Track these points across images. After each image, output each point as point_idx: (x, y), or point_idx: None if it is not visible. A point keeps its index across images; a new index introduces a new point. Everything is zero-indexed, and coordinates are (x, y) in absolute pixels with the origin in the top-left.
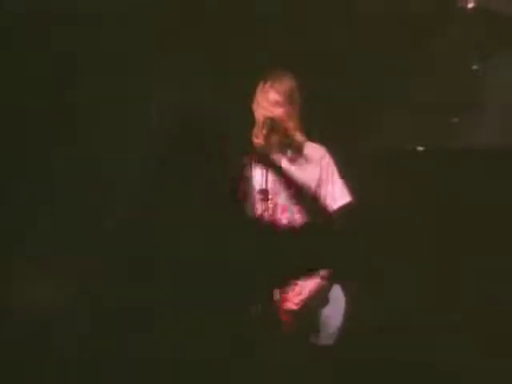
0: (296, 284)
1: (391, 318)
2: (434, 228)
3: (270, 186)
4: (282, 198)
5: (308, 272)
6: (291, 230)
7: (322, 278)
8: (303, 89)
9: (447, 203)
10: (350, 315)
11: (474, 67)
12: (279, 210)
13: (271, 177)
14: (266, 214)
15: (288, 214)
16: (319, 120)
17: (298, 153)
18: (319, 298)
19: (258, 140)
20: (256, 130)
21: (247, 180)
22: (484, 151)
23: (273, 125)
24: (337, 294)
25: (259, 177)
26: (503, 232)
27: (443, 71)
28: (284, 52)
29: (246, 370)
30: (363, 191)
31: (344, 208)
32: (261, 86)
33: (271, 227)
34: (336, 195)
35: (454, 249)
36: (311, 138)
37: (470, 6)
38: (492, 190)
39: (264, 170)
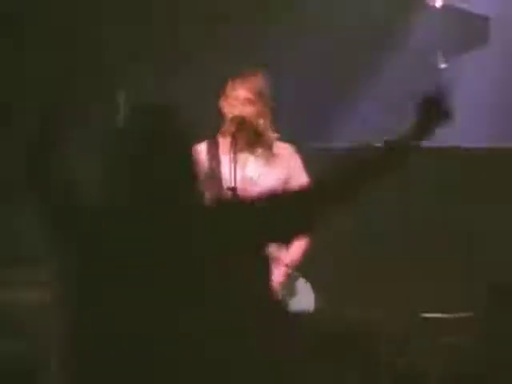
0: None
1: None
2: (405, 226)
3: (238, 183)
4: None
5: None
6: None
7: (287, 266)
8: (273, 88)
9: (416, 201)
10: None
11: (443, 66)
12: None
13: (240, 174)
14: None
15: None
16: (287, 119)
17: (268, 151)
18: (287, 288)
19: (226, 138)
20: (223, 129)
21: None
22: (452, 150)
23: (242, 123)
24: (304, 288)
25: (227, 174)
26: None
27: (412, 70)
28: (255, 50)
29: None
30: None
31: None
32: (231, 82)
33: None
34: None
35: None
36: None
37: (439, 4)
38: (459, 187)
39: (232, 167)
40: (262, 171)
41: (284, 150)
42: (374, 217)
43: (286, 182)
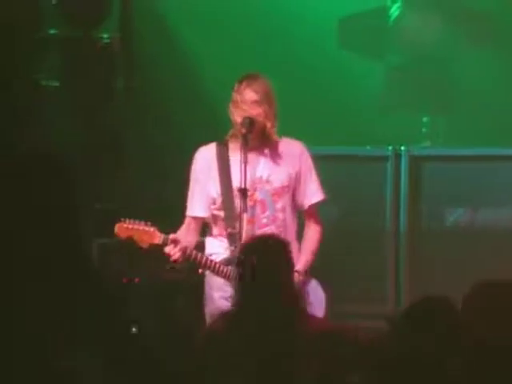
0: None
1: None
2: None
3: (248, 183)
4: (260, 194)
5: None
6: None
7: (299, 272)
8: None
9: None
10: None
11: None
12: (259, 208)
13: (249, 174)
14: (244, 214)
15: (268, 211)
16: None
17: (274, 151)
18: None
19: (235, 140)
20: (233, 132)
21: None
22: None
23: (251, 123)
24: (315, 289)
25: (237, 175)
26: None
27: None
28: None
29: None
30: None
31: (318, 205)
32: (237, 86)
33: None
34: (313, 192)
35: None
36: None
37: None
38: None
39: (242, 168)
40: (271, 170)
41: (294, 145)
42: None
43: (297, 179)
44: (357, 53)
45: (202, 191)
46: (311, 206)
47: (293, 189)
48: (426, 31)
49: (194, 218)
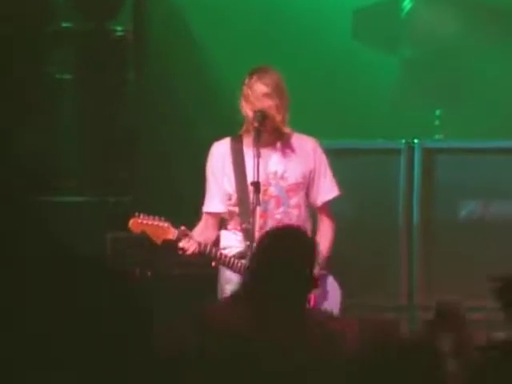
0: None
1: None
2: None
3: (261, 177)
4: (275, 189)
5: None
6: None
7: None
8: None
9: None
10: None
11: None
12: (273, 204)
13: (262, 168)
14: (258, 208)
15: (282, 207)
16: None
17: (287, 145)
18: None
19: (248, 134)
20: (246, 126)
21: None
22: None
23: (263, 116)
24: (332, 284)
25: (250, 169)
26: None
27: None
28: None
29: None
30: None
31: (332, 201)
32: (247, 80)
33: None
34: (327, 188)
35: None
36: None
37: None
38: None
39: (255, 162)
40: (286, 166)
41: (307, 141)
42: None
43: (311, 176)
44: (370, 45)
45: (218, 187)
46: (325, 203)
47: (307, 186)
48: (438, 25)
49: (211, 214)
